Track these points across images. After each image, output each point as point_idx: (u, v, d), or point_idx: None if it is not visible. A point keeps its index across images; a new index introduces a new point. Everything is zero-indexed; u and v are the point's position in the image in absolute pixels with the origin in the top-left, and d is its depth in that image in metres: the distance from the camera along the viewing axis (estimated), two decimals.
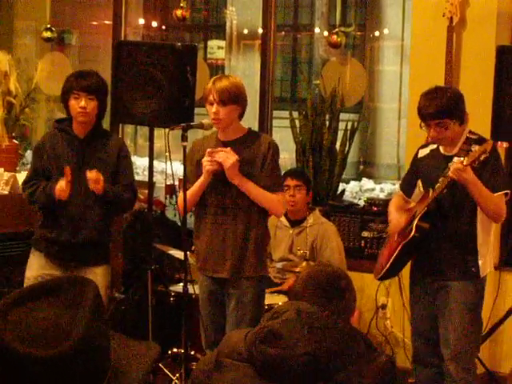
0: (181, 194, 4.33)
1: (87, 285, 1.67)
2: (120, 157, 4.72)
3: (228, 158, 4.20)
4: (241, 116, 4.35)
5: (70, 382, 1.60)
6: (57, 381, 1.59)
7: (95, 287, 1.68)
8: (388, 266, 4.51)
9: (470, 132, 4.41)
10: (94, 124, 4.67)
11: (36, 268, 4.68)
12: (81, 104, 4.57)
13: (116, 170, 4.69)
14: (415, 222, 4.37)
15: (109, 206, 4.67)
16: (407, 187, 4.66)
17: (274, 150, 4.32)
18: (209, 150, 4.25)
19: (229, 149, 4.24)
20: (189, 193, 4.28)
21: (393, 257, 4.48)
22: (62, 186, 4.51)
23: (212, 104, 4.25)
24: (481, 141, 4.30)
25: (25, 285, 4.61)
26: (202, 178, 4.30)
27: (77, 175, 4.57)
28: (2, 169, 6.04)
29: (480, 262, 4.36)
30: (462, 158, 4.17)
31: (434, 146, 4.50)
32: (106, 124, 5.07)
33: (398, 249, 4.44)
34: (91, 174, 4.51)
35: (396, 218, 4.55)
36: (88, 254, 4.66)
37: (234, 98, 4.23)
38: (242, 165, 4.26)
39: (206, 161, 4.24)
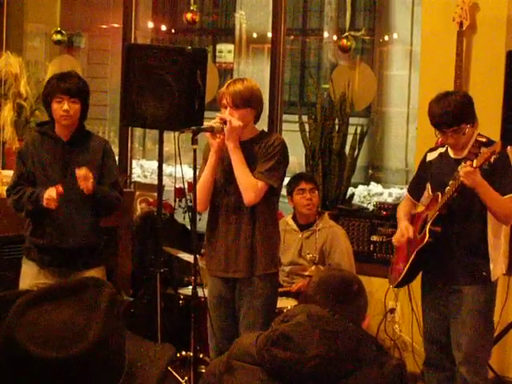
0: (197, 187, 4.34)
1: (103, 286, 1.66)
2: (105, 156, 4.67)
3: (234, 119, 4.21)
4: (256, 119, 4.38)
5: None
6: (70, 383, 1.58)
7: (111, 288, 1.67)
8: (404, 273, 4.51)
9: (479, 135, 4.40)
10: (76, 126, 4.63)
11: (29, 278, 4.62)
12: (64, 107, 4.51)
13: (101, 169, 4.63)
14: (428, 227, 4.37)
15: (97, 206, 4.61)
16: (415, 190, 4.66)
17: (280, 144, 4.32)
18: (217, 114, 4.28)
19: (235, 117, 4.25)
20: (201, 179, 4.31)
21: (408, 263, 4.47)
22: (51, 196, 4.41)
23: (226, 107, 4.26)
24: (489, 143, 4.30)
25: None
26: (210, 159, 4.31)
27: (63, 178, 4.52)
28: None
29: (491, 266, 4.35)
30: (471, 161, 4.16)
31: (443, 150, 4.50)
32: (115, 127, 5.06)
33: (413, 255, 4.44)
34: (80, 172, 4.43)
35: (402, 228, 4.54)
36: (81, 258, 4.61)
37: (247, 101, 4.25)
38: (252, 161, 4.27)
39: (214, 122, 4.25)
